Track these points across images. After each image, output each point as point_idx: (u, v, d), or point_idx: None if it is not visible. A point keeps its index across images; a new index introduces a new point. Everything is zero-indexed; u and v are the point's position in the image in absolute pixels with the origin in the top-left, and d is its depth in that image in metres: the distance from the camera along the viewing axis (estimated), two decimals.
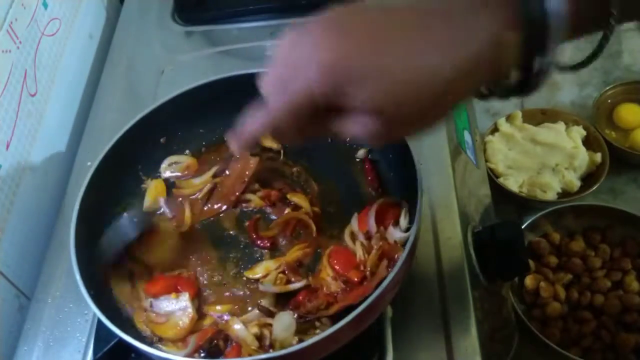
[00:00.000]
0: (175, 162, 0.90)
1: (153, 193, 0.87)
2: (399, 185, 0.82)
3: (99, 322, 0.74)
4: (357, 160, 0.87)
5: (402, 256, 0.69)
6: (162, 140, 0.90)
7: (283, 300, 0.75)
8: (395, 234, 0.75)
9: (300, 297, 0.74)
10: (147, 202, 0.86)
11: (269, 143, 0.90)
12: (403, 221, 0.76)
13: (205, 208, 0.86)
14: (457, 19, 0.49)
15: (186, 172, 0.89)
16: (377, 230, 0.77)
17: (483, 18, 0.48)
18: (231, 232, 0.84)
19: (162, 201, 0.86)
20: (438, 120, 0.53)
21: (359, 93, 0.49)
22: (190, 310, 0.74)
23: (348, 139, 0.52)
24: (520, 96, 0.52)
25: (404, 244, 0.73)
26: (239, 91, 0.88)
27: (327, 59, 0.49)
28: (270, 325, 0.72)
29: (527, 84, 0.50)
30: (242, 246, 0.82)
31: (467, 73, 0.49)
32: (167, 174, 0.89)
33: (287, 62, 0.52)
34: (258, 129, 0.56)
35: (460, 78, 0.49)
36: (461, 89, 0.51)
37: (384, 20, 0.50)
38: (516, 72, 0.50)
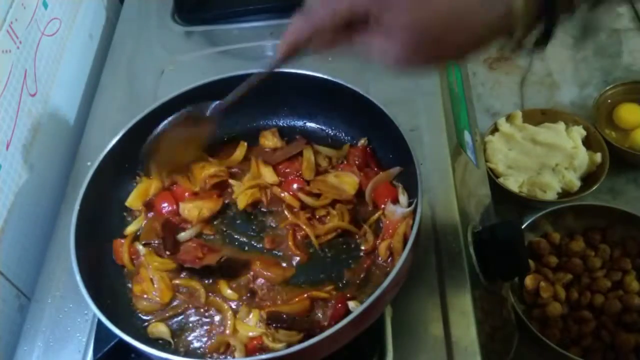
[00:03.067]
0: None
1: (141, 189, 0.87)
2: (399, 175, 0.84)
3: (99, 322, 0.74)
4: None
5: (402, 256, 0.69)
6: None
7: None
8: (397, 210, 0.78)
9: None
10: (132, 198, 0.86)
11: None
12: (402, 198, 0.80)
13: None
14: None
15: (189, 176, 0.88)
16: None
17: None
18: None
19: None
20: (451, 58, 0.59)
21: (398, 11, 0.54)
22: None
23: (370, 56, 0.57)
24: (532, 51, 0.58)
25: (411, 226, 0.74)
26: None
27: None
28: None
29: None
30: None
31: (493, 24, 0.54)
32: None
33: None
34: (301, 33, 0.61)
35: (485, 24, 0.54)
36: (481, 38, 0.56)
37: None
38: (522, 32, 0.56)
